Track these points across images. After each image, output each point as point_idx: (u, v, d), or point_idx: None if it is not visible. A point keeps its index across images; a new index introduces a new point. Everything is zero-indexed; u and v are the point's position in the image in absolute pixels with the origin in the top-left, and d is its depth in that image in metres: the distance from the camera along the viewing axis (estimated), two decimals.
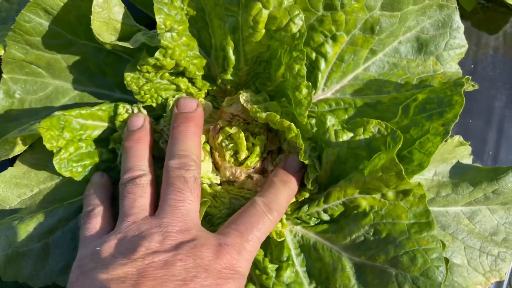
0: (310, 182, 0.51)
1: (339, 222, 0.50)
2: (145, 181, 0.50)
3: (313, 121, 0.53)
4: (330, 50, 0.57)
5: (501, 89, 0.74)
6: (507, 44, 0.78)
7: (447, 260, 0.45)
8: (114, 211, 0.53)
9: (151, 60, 0.52)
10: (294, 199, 0.52)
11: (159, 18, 0.51)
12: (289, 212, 0.52)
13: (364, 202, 0.48)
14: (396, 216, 0.46)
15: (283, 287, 0.48)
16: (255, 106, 0.51)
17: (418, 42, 0.59)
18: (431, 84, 0.57)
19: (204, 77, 0.60)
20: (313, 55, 0.58)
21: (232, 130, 0.56)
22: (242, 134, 0.55)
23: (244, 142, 0.54)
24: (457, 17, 0.57)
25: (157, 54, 0.51)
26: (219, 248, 0.44)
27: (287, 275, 0.49)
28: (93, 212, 0.50)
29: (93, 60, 0.62)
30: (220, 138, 0.56)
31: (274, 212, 0.48)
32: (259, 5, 0.49)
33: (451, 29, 0.57)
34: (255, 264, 0.50)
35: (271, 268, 0.49)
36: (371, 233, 0.48)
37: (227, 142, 0.55)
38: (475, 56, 0.79)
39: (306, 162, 0.51)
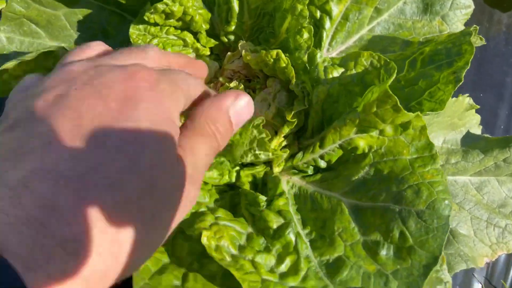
0: (292, 113, 0.50)
1: (337, 169, 0.49)
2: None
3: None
4: (335, 8, 0.57)
5: None
6: None
7: None
8: None
9: (160, 6, 0.52)
10: (284, 141, 0.50)
11: None
12: (283, 162, 0.50)
13: (362, 142, 0.46)
14: (397, 153, 0.44)
15: (274, 213, 0.45)
16: (249, 52, 0.50)
17: (423, 2, 0.59)
18: None
19: (208, 35, 0.60)
20: (318, 13, 0.58)
21: (232, 84, 0.55)
22: (242, 87, 0.54)
23: None
24: None
25: None
26: None
27: (280, 203, 0.47)
28: None
29: (96, 20, 0.62)
30: None
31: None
32: None
33: None
34: (248, 201, 0.48)
35: (261, 199, 0.48)
36: (372, 174, 0.46)
37: None
38: (488, 32, 0.80)
39: (296, 91, 0.49)
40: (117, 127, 0.27)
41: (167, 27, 0.56)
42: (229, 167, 0.52)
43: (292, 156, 0.50)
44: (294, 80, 0.49)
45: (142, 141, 0.27)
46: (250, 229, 0.45)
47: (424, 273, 0.38)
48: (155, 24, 0.55)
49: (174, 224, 0.30)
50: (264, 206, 0.46)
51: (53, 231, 0.23)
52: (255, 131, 0.44)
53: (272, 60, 0.49)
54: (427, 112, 0.45)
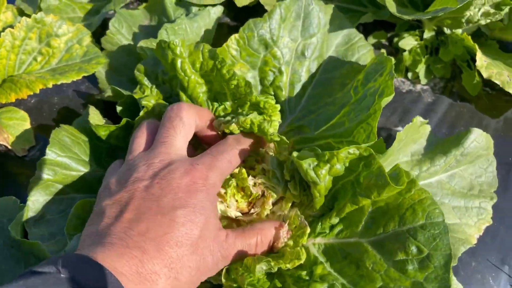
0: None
1: (347, 218, 0.67)
2: (145, 124, 0.72)
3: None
4: (281, 82, 0.80)
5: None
6: (507, 127, 1.00)
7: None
8: None
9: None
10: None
11: None
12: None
13: None
14: None
15: (318, 283, 0.61)
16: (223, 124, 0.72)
17: (339, 56, 0.84)
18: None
19: None
20: (271, 90, 0.80)
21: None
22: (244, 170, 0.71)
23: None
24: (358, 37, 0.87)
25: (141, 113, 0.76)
26: (191, 167, 0.63)
27: (319, 271, 0.63)
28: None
29: None
30: None
31: (242, 145, 0.69)
32: None
33: (355, 42, 0.85)
34: (293, 278, 0.63)
35: (303, 274, 0.63)
36: (375, 211, 0.64)
37: None
38: None
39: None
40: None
41: None
42: None
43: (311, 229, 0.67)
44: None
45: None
46: None
47: (447, 269, 0.57)
48: None
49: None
50: (308, 279, 0.62)
51: None
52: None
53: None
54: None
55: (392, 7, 0.91)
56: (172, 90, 0.78)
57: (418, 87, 1.05)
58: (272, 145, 0.73)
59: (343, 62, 0.83)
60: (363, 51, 0.84)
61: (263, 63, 0.80)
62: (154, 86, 0.78)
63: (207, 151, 0.68)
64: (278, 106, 0.71)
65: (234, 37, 0.81)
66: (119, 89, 0.79)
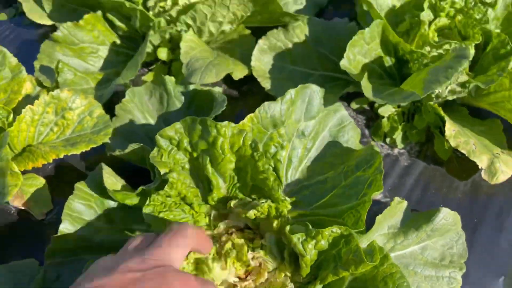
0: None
1: (330, 285, 0.78)
2: (142, 236, 0.73)
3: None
4: (281, 156, 0.92)
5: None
6: (473, 189, 1.10)
7: None
8: None
9: (163, 193, 0.84)
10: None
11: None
12: None
13: None
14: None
15: None
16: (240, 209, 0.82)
17: (331, 136, 0.98)
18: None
19: (199, 203, 0.90)
20: (272, 162, 0.92)
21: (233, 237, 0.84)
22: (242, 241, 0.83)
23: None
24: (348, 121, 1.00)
25: (166, 188, 0.84)
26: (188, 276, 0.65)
27: None
28: None
29: None
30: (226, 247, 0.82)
31: None
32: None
33: (346, 125, 0.99)
34: None
35: None
36: (354, 281, 0.76)
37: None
38: (446, 196, 1.11)
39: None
40: None
41: (169, 203, 0.85)
42: None
43: None
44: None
45: None
46: None
47: None
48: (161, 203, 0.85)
49: None
50: None
51: None
52: None
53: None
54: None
55: (368, 92, 1.06)
56: (193, 159, 0.88)
57: (396, 150, 1.19)
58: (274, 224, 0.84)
59: (335, 143, 0.96)
60: (352, 134, 0.98)
61: (269, 138, 0.92)
62: (173, 150, 0.86)
63: None
64: (289, 207, 0.84)
65: (250, 117, 0.93)
66: (147, 146, 0.90)
